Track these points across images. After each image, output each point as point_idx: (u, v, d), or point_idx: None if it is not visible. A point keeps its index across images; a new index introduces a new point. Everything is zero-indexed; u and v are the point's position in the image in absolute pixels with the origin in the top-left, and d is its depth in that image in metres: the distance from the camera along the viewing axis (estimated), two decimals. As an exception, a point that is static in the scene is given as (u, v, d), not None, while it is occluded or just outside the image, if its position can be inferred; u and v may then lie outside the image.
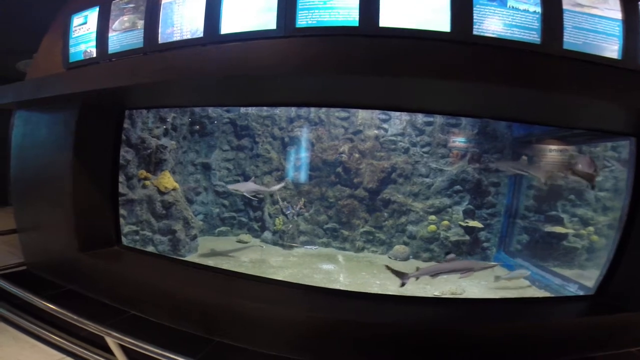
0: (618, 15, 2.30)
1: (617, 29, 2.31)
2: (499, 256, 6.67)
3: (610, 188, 5.40)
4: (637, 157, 3.32)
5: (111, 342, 2.60)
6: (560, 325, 3.07)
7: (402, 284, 3.99)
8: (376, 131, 7.08)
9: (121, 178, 5.01)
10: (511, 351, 2.91)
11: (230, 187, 6.38)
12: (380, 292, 4.84)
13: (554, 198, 6.20)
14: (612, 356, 3.03)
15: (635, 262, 3.23)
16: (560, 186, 6.18)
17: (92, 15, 3.36)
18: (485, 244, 6.76)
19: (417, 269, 4.10)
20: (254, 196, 6.39)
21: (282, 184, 6.91)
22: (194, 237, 6.03)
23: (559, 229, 5.84)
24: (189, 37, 2.81)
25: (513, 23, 2.26)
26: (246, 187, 6.20)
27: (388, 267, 4.20)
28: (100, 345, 2.77)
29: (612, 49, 2.30)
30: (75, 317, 2.76)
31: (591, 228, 5.61)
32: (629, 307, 3.14)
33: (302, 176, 7.25)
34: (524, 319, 3.08)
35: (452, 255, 4.48)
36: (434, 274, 4.09)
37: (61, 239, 4.02)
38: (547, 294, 4.93)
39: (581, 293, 4.16)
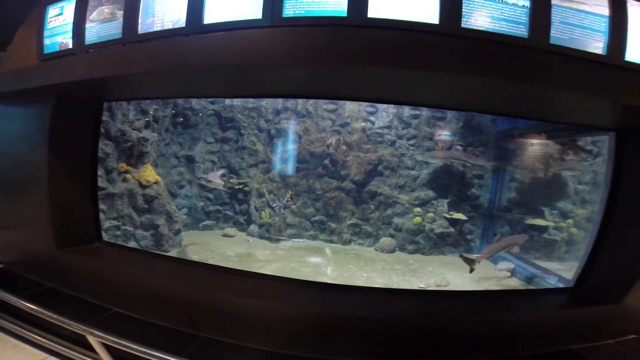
0: (605, 11, 2.32)
1: (604, 25, 2.33)
2: (482, 248, 6.80)
3: (589, 181, 5.56)
4: (616, 151, 3.40)
5: (93, 341, 2.54)
6: (541, 317, 3.13)
7: (471, 270, 4.57)
8: (363, 124, 7.08)
9: (100, 172, 4.87)
10: (494, 343, 2.97)
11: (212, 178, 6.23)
12: (367, 284, 4.89)
13: (535, 191, 6.36)
14: (591, 348, 3.11)
15: (613, 254, 3.33)
16: (540, 179, 6.33)
17: (68, 6, 3.23)
18: (469, 236, 6.90)
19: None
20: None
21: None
22: (178, 232, 5.93)
23: (539, 222, 6.00)
24: (170, 27, 2.70)
25: (502, 17, 2.25)
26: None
27: (461, 256, 4.86)
28: (83, 344, 2.70)
29: (597, 45, 2.32)
30: (55, 317, 2.68)
31: (570, 221, 5.78)
32: (606, 299, 3.22)
33: (289, 168, 7.20)
34: (506, 311, 3.14)
35: (498, 236, 4.92)
36: (490, 256, 4.76)
37: (38, 236, 3.87)
38: (528, 286, 5.08)
39: (561, 285, 4.28)
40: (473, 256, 4.74)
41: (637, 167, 3.25)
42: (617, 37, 2.33)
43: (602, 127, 3.53)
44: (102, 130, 4.62)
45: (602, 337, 3.22)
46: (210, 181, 6.11)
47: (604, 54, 2.34)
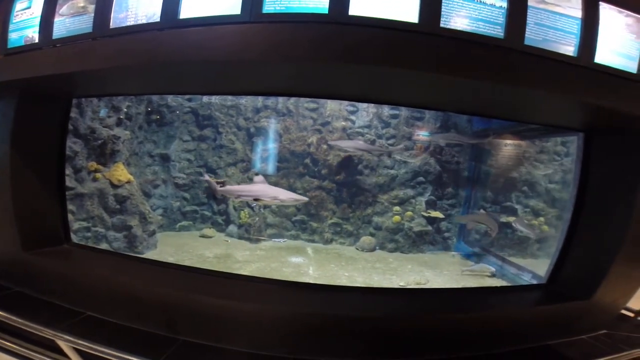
0: (578, 13, 2.39)
1: (576, 27, 2.40)
2: (459, 245, 6.98)
3: (559, 180, 5.79)
4: (584, 151, 3.55)
5: (64, 346, 2.44)
6: (517, 314, 3.21)
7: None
8: (344, 123, 7.10)
9: (68, 171, 4.65)
10: (473, 339, 3.02)
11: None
12: (348, 283, 4.91)
13: (509, 190, 6.57)
14: (565, 343, 3.20)
15: (582, 251, 3.45)
16: (514, 178, 6.55)
17: (37, 0, 3.07)
18: (446, 234, 7.04)
19: None
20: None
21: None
22: (153, 233, 5.74)
23: (513, 219, 6.19)
24: (144, 21, 2.60)
25: (479, 17, 2.28)
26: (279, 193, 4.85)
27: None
28: (55, 348, 2.60)
29: (569, 46, 2.40)
30: (22, 322, 2.57)
31: (542, 219, 5.99)
32: (578, 295, 3.33)
33: (270, 168, 7.12)
34: (484, 307, 3.21)
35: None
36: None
37: (2, 238, 3.65)
38: (504, 283, 5.23)
39: (535, 282, 4.43)
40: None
41: (603, 167, 3.39)
42: (588, 39, 2.41)
43: (571, 128, 3.67)
44: (71, 127, 4.44)
45: (576, 333, 3.34)
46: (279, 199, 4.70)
47: (575, 55, 2.42)
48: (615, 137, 3.25)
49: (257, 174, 5.42)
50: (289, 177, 7.03)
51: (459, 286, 5.08)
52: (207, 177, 6.25)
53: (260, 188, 4.83)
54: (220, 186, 5.71)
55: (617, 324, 3.53)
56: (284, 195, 4.81)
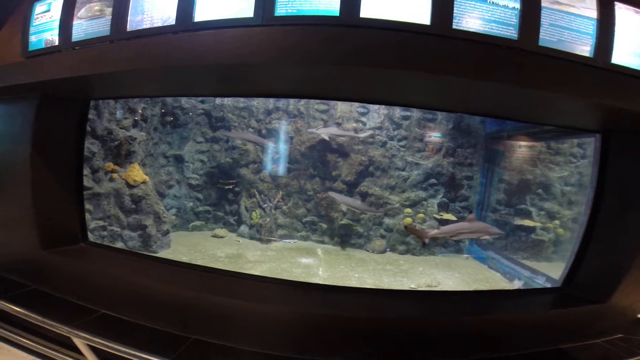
0: (593, 14, 2.36)
1: (592, 28, 2.36)
2: (471, 248, 6.88)
3: (575, 183, 5.66)
4: (601, 153, 3.47)
5: (79, 343, 2.49)
6: (530, 317, 3.17)
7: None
8: (355, 124, 7.09)
9: (86, 171, 4.77)
10: (485, 342, 3.00)
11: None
12: (358, 285, 4.90)
13: (523, 192, 6.45)
14: (580, 347, 3.16)
15: (599, 255, 3.38)
16: (528, 180, 6.43)
17: (56, 3, 3.18)
18: (458, 236, 6.95)
19: None
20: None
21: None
22: (166, 233, 5.84)
23: (527, 222, 6.09)
24: (159, 24, 2.67)
25: (492, 18, 2.27)
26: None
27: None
28: (70, 345, 2.65)
29: (585, 47, 2.37)
30: (40, 318, 2.63)
31: (557, 221, 5.87)
32: (593, 299, 3.28)
33: (280, 169, 7.17)
34: (497, 311, 3.17)
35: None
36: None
37: (22, 237, 3.77)
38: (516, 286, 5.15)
39: (549, 285, 4.35)
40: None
41: (621, 168, 3.32)
42: (604, 39, 2.37)
43: (588, 129, 3.59)
44: (88, 128, 4.55)
45: (590, 336, 3.28)
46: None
47: (591, 56, 2.38)
48: (633, 137, 3.18)
49: (470, 212, 6.08)
50: (300, 178, 7.06)
51: (471, 289, 5.01)
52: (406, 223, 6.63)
53: (477, 225, 5.25)
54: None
55: (633, 328, 3.45)
56: (492, 230, 5.36)
